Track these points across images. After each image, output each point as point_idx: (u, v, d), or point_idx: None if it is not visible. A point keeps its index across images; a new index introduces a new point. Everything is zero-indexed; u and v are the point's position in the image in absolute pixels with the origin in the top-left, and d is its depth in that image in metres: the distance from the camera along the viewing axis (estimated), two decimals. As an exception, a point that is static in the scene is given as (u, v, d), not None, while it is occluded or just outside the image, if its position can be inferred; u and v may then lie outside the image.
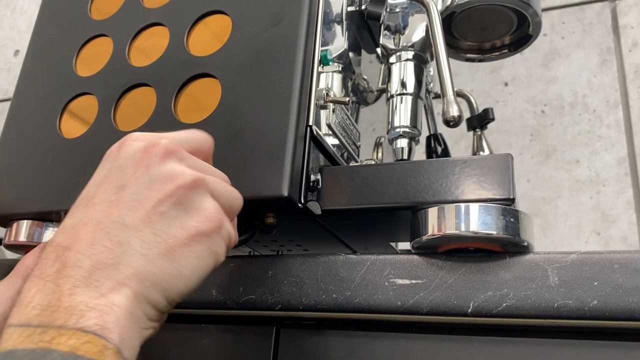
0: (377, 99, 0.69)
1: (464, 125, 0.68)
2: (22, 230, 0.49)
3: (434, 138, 0.64)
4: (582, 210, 1.03)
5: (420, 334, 0.40)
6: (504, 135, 1.13)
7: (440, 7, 0.55)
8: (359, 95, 0.68)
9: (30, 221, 0.49)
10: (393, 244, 0.57)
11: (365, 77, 0.69)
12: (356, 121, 0.70)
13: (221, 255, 0.33)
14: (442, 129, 1.20)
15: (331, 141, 0.50)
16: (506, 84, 1.17)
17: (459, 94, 0.68)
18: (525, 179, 1.09)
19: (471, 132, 0.66)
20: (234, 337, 0.46)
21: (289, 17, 0.45)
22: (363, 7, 0.57)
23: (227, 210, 0.35)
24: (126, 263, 0.29)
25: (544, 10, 1.18)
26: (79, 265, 0.29)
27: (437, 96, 0.66)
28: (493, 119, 0.63)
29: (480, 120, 0.64)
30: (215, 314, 0.46)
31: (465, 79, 1.20)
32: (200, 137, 0.37)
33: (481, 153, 0.64)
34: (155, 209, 0.31)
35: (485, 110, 0.63)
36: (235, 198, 0.36)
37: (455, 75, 1.24)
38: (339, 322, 0.43)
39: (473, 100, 0.66)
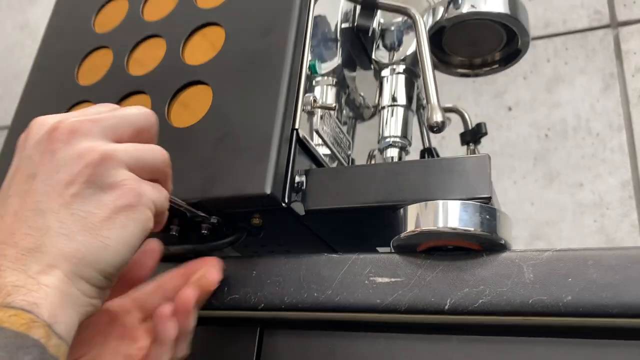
0: (373, 114, 0.70)
1: (458, 140, 0.69)
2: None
3: (428, 152, 0.65)
4: (586, 233, 1.02)
5: (400, 334, 0.40)
6: (507, 159, 1.13)
7: (430, 22, 0.56)
8: (356, 111, 0.70)
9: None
10: (381, 250, 0.57)
11: (362, 93, 0.70)
12: (353, 136, 0.71)
13: (148, 221, 0.33)
14: (437, 143, 1.20)
15: (322, 151, 0.51)
16: (510, 109, 1.18)
17: (452, 110, 0.69)
18: (529, 202, 1.09)
19: (465, 147, 0.66)
20: (219, 338, 0.46)
21: (279, 27, 0.47)
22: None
23: (149, 172, 0.34)
24: (49, 245, 0.30)
25: (548, 37, 1.20)
26: (4, 254, 0.29)
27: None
28: (486, 133, 0.64)
29: (473, 135, 0.64)
30: (201, 315, 0.47)
31: (469, 104, 1.21)
32: (133, 115, 0.35)
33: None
34: (68, 191, 0.31)
35: (479, 125, 0.64)
36: (155, 156, 0.35)
37: (459, 99, 1.26)
38: (321, 322, 0.43)
39: (467, 116, 0.67)
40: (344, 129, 0.66)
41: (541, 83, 1.17)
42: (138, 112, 0.36)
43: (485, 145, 1.16)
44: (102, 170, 0.32)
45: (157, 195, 0.35)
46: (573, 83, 1.14)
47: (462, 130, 0.69)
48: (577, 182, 1.06)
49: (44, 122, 0.33)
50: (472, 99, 1.23)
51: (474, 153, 0.65)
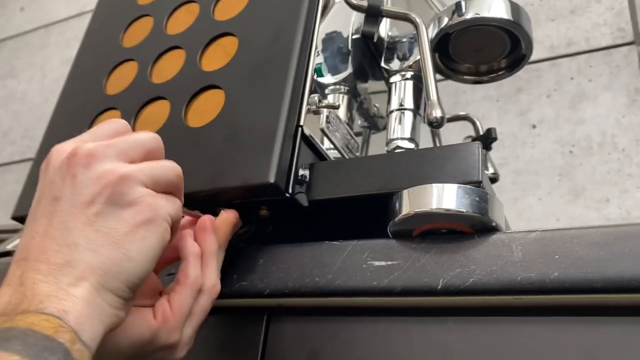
0: (387, 124, 0.73)
1: (471, 148, 0.70)
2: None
3: (440, 158, 0.67)
4: (613, 248, 1.00)
5: (398, 317, 0.42)
6: (532, 176, 1.13)
7: (436, 29, 0.59)
8: (370, 120, 0.72)
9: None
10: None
11: (376, 104, 0.73)
12: (368, 146, 0.73)
13: (165, 232, 0.36)
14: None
15: (332, 154, 0.54)
16: (534, 126, 1.18)
17: (464, 118, 0.71)
18: (554, 218, 1.08)
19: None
20: (229, 326, 0.49)
21: (287, 34, 0.51)
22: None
23: (163, 187, 0.37)
24: (77, 260, 0.33)
25: (571, 55, 1.21)
26: (37, 269, 0.32)
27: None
28: (496, 139, 0.65)
29: (484, 141, 0.66)
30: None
31: (493, 122, 1.22)
32: (144, 139, 0.38)
33: (485, 172, 0.66)
34: (91, 210, 0.34)
35: (489, 130, 0.65)
36: (168, 171, 0.38)
37: (484, 118, 1.27)
38: (323, 308, 0.45)
39: (478, 123, 0.69)
40: (359, 140, 0.68)
41: (565, 100, 1.17)
42: (147, 135, 0.39)
43: (510, 163, 1.16)
44: (120, 190, 0.35)
45: (172, 207, 0.38)
46: (597, 99, 1.14)
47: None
48: (603, 198, 1.05)
49: (62, 149, 0.37)
50: (497, 118, 1.23)
51: (485, 159, 0.66)
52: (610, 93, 1.13)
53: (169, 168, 0.38)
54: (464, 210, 0.39)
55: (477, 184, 0.40)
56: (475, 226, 0.40)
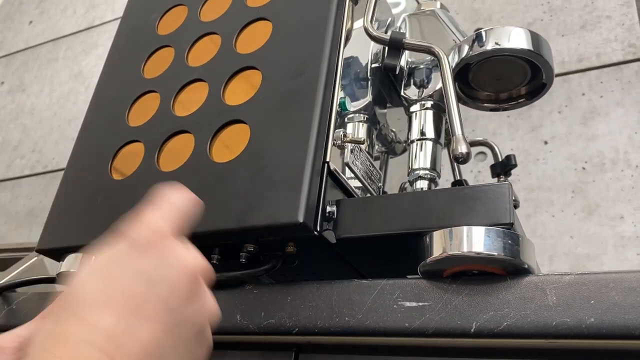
0: (404, 149, 0.73)
1: (489, 174, 0.70)
2: (74, 261, 0.55)
3: (459, 184, 0.67)
4: (628, 267, 1.00)
5: (429, 357, 0.42)
6: (545, 192, 1.13)
7: (456, 59, 0.59)
8: (388, 146, 0.72)
9: (82, 254, 0.55)
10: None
11: (393, 129, 0.73)
12: (386, 171, 0.73)
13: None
14: (472, 177, 1.21)
15: (354, 183, 0.54)
16: (546, 142, 1.18)
17: (483, 143, 0.71)
18: (568, 235, 1.08)
19: (495, 179, 0.68)
20: (257, 362, 0.49)
21: (311, 69, 0.51)
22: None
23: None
24: None
25: (582, 71, 1.21)
26: None
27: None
28: (515, 165, 0.65)
29: (503, 167, 0.66)
30: (240, 340, 0.49)
31: (504, 138, 1.22)
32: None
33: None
34: (190, 345, 0.31)
35: (508, 157, 0.65)
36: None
37: (494, 134, 1.27)
38: (353, 346, 0.45)
39: (497, 149, 0.69)
40: (377, 164, 0.68)
41: (577, 116, 1.17)
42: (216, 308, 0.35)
43: (522, 179, 1.16)
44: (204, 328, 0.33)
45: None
46: (609, 116, 1.14)
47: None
48: (617, 215, 1.05)
49: (178, 254, 0.32)
50: (508, 134, 1.23)
51: (505, 185, 0.66)
52: (622, 109, 1.13)
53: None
54: (496, 254, 0.39)
55: (509, 225, 0.40)
56: (506, 268, 0.40)
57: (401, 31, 0.67)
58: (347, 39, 0.56)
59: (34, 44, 2.17)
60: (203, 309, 0.33)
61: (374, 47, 0.66)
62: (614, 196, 1.06)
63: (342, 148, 0.51)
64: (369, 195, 0.55)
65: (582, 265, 1.03)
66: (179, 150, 0.54)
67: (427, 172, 0.57)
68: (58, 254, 0.56)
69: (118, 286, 0.30)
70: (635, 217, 1.03)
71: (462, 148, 0.46)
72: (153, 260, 0.31)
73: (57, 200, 0.59)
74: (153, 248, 0.32)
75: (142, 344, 0.28)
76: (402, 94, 0.63)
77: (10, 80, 2.14)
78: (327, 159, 0.48)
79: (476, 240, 0.39)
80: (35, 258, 1.08)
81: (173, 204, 0.35)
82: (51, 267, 1.06)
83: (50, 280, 0.60)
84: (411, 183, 0.58)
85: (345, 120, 0.65)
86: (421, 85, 0.65)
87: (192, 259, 0.33)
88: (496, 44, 0.57)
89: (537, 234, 1.10)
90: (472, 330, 0.38)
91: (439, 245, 0.41)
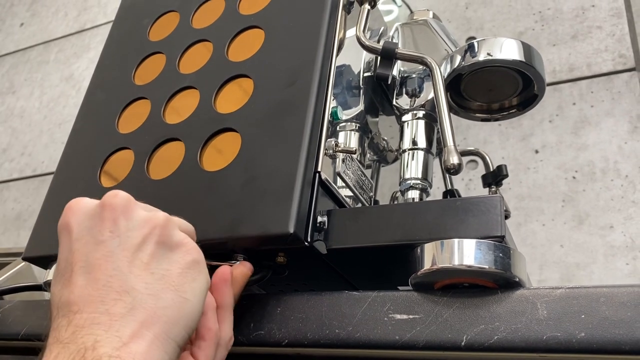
0: (396, 158, 0.73)
1: (480, 182, 0.70)
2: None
3: (450, 194, 0.67)
4: (618, 276, 1.00)
5: (419, 370, 0.41)
6: (535, 202, 1.13)
7: (449, 69, 0.59)
8: (379, 154, 0.72)
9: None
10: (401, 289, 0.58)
11: (385, 138, 0.73)
12: (377, 179, 0.73)
13: (208, 275, 0.37)
14: (463, 186, 1.21)
15: (344, 192, 0.54)
16: (537, 151, 1.18)
17: (474, 153, 0.71)
18: (558, 244, 1.08)
19: (487, 189, 0.68)
20: (245, 373, 0.48)
21: (303, 78, 0.51)
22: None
23: (190, 235, 0.38)
24: (139, 307, 0.32)
25: (573, 81, 1.22)
26: (97, 322, 0.31)
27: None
28: (506, 175, 0.65)
29: (494, 177, 0.66)
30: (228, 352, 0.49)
31: (495, 147, 1.23)
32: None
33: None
34: (143, 253, 0.34)
35: (499, 167, 0.65)
36: (186, 222, 0.40)
37: (485, 143, 1.28)
38: (343, 359, 0.44)
39: (488, 159, 0.69)
40: (368, 172, 0.68)
41: (567, 126, 1.18)
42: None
43: (512, 188, 1.16)
44: (168, 232, 0.36)
45: None
46: (599, 125, 1.14)
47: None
48: (607, 224, 1.05)
49: (83, 204, 0.37)
50: (499, 142, 1.24)
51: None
52: (612, 119, 1.14)
53: (191, 226, 0.40)
54: (487, 267, 0.39)
55: (500, 238, 0.40)
56: (497, 281, 0.40)
57: (394, 41, 0.67)
58: (340, 48, 0.55)
59: (24, 46, 2.15)
60: (137, 224, 0.34)
61: (366, 56, 0.66)
62: (603, 205, 1.07)
63: (333, 157, 0.50)
64: (360, 204, 0.55)
65: (572, 274, 1.04)
66: (169, 158, 0.54)
67: (418, 181, 0.57)
68: (45, 262, 0.56)
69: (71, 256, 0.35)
70: (625, 226, 1.04)
71: (454, 159, 0.46)
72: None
73: (45, 207, 0.58)
74: None
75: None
76: (394, 103, 0.63)
77: (0, 82, 2.13)
78: (319, 169, 0.47)
79: (467, 253, 0.39)
80: (23, 264, 1.07)
81: None
82: (39, 273, 1.05)
83: (37, 288, 0.59)
84: (402, 192, 0.58)
85: (337, 128, 0.65)
86: (413, 95, 0.65)
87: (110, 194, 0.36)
88: (488, 54, 0.57)
89: (528, 242, 1.10)
90: (463, 343, 0.38)
91: (430, 257, 0.40)
